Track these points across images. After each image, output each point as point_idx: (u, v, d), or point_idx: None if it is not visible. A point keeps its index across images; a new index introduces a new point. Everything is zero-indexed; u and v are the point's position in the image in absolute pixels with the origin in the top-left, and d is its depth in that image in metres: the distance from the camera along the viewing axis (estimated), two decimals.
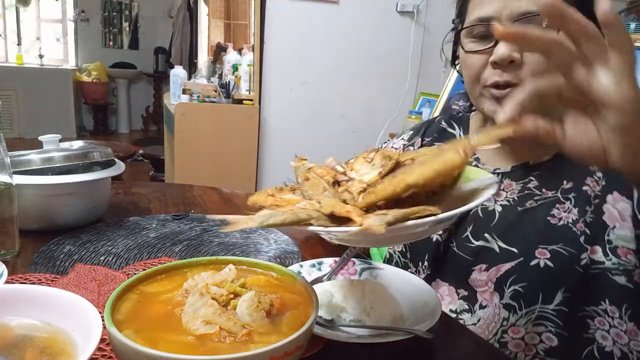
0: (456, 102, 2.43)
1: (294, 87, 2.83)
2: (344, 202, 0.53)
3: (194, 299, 0.52)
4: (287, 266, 0.64)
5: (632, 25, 1.90)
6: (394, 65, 2.93)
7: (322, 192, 0.58)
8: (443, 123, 1.00)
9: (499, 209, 0.81)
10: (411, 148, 1.00)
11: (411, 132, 1.05)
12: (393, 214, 0.46)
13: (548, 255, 0.74)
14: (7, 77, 5.80)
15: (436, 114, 2.56)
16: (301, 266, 0.80)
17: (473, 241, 0.81)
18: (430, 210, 0.47)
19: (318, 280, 0.77)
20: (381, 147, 1.06)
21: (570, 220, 0.75)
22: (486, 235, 0.80)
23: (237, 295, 0.54)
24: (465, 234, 0.83)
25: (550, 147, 0.80)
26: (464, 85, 0.85)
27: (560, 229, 0.74)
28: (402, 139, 1.05)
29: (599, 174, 0.76)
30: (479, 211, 0.83)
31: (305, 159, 0.68)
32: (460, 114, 1.00)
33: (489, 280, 0.78)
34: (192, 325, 0.49)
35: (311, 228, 0.49)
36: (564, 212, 0.76)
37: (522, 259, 0.76)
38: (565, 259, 0.73)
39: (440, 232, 0.85)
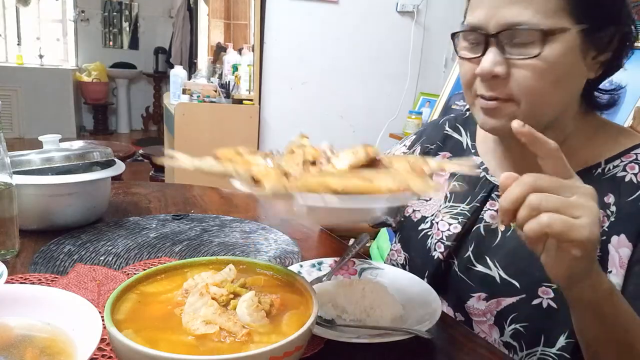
0: (456, 102, 2.43)
1: (294, 87, 2.83)
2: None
3: (194, 299, 0.52)
4: (287, 266, 0.64)
5: None
6: (394, 65, 2.93)
7: (291, 167, 0.60)
8: (447, 128, 0.93)
9: (502, 227, 0.76)
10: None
11: (414, 137, 0.99)
12: (293, 184, 0.52)
13: (552, 295, 0.69)
14: (7, 77, 5.79)
15: (436, 114, 2.55)
16: (301, 266, 0.80)
17: (475, 264, 0.77)
18: (330, 189, 0.50)
19: (318, 280, 0.77)
20: (386, 153, 1.02)
21: None
22: (488, 260, 0.75)
23: (237, 295, 0.54)
24: (467, 254, 0.78)
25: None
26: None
27: None
28: (404, 145, 1.00)
29: (613, 208, 0.68)
30: (481, 229, 0.78)
31: (307, 137, 0.71)
32: (467, 115, 0.92)
33: (487, 312, 0.74)
34: (192, 325, 0.49)
35: (232, 182, 0.55)
36: None
37: (524, 295, 0.71)
38: None
39: (442, 249, 0.80)
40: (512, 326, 0.72)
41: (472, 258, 0.78)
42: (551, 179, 0.51)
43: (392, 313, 0.67)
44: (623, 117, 1.66)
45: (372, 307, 0.68)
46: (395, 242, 0.96)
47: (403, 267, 0.91)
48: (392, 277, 0.78)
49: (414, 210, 0.91)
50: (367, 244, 1.09)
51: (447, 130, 0.93)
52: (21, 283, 0.71)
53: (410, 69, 2.91)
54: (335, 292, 0.72)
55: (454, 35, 0.73)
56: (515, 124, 0.52)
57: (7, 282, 0.67)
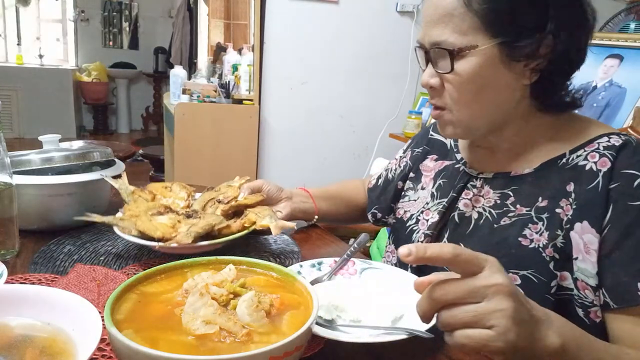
0: None
1: (294, 87, 2.83)
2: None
3: (194, 299, 0.52)
4: (287, 266, 0.65)
5: (632, 25, 1.89)
6: (394, 65, 2.93)
7: (198, 203, 0.94)
8: (432, 132, 0.99)
9: (475, 215, 0.81)
10: (404, 159, 1.02)
11: (409, 142, 1.06)
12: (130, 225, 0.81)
13: (519, 282, 0.72)
14: (7, 77, 5.79)
15: None
16: (301, 266, 0.80)
17: None
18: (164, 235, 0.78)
19: (318, 280, 0.77)
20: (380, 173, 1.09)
21: (540, 245, 0.72)
22: (462, 247, 0.77)
23: (237, 295, 0.54)
24: (443, 241, 0.82)
25: (533, 159, 0.78)
26: None
27: (530, 252, 0.72)
28: (403, 149, 1.06)
29: (574, 196, 0.71)
30: (456, 217, 0.83)
31: (246, 179, 1.00)
32: None
33: None
34: (192, 325, 0.49)
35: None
36: (536, 233, 0.73)
37: None
38: (536, 287, 0.71)
39: (422, 239, 0.85)
40: None
41: None
42: (458, 288, 0.50)
43: (392, 313, 0.67)
44: (623, 117, 1.66)
45: (372, 307, 0.68)
46: (389, 244, 0.99)
47: (396, 266, 0.92)
48: (392, 277, 0.78)
49: (405, 211, 0.94)
50: (367, 244, 1.09)
51: (432, 135, 0.99)
52: (21, 283, 0.71)
53: (410, 69, 2.91)
54: (335, 292, 0.72)
55: (415, 49, 0.81)
56: (400, 253, 0.50)
57: (7, 282, 0.68)
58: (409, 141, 1.07)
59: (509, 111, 0.77)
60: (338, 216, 1.11)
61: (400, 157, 1.05)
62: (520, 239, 0.73)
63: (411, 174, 0.99)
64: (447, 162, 0.93)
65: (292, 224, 0.85)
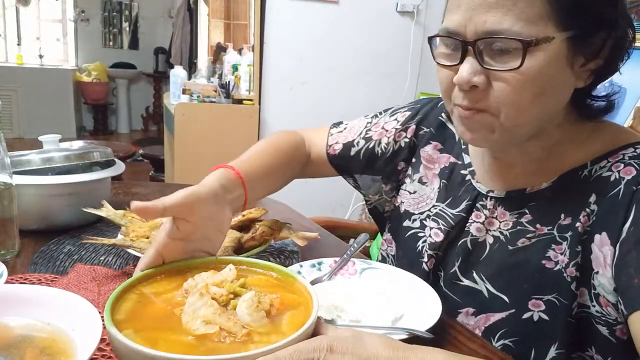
0: None
1: (294, 87, 2.83)
2: None
3: (194, 299, 0.52)
4: (287, 266, 0.64)
5: None
6: (394, 65, 2.93)
7: None
8: (443, 116, 0.87)
9: (490, 240, 0.73)
10: (403, 133, 0.89)
11: (408, 113, 0.91)
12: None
13: (543, 308, 0.66)
14: (7, 77, 5.78)
15: None
16: (301, 266, 0.80)
17: (462, 279, 0.74)
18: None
19: (318, 280, 0.77)
20: (378, 115, 0.97)
21: (563, 265, 0.65)
22: (474, 273, 0.73)
23: (237, 295, 0.54)
24: (454, 269, 0.76)
25: (550, 171, 0.70)
26: None
27: (554, 275, 0.66)
28: (396, 120, 0.91)
29: (594, 207, 0.65)
30: (468, 243, 0.75)
31: None
32: None
33: (476, 327, 0.72)
34: (192, 325, 0.49)
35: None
36: (560, 254, 0.66)
37: (513, 310, 0.68)
38: (559, 311, 0.65)
39: (425, 259, 0.79)
40: (501, 342, 0.70)
41: (458, 273, 0.75)
42: None
43: (392, 313, 0.67)
44: (623, 117, 1.66)
45: (372, 307, 0.68)
46: (386, 232, 0.92)
47: (394, 258, 0.89)
48: (392, 277, 0.78)
49: (401, 202, 0.88)
50: (367, 244, 1.09)
51: (441, 117, 0.87)
52: (21, 283, 0.71)
53: (410, 69, 2.91)
54: (335, 292, 0.72)
55: (430, 40, 0.67)
56: None
57: (7, 282, 0.68)
58: (409, 113, 0.90)
59: (552, 118, 0.67)
60: (272, 191, 0.89)
61: (396, 129, 0.90)
62: (544, 261, 0.67)
63: (413, 159, 0.87)
64: (452, 159, 0.82)
65: (315, 234, 0.85)
